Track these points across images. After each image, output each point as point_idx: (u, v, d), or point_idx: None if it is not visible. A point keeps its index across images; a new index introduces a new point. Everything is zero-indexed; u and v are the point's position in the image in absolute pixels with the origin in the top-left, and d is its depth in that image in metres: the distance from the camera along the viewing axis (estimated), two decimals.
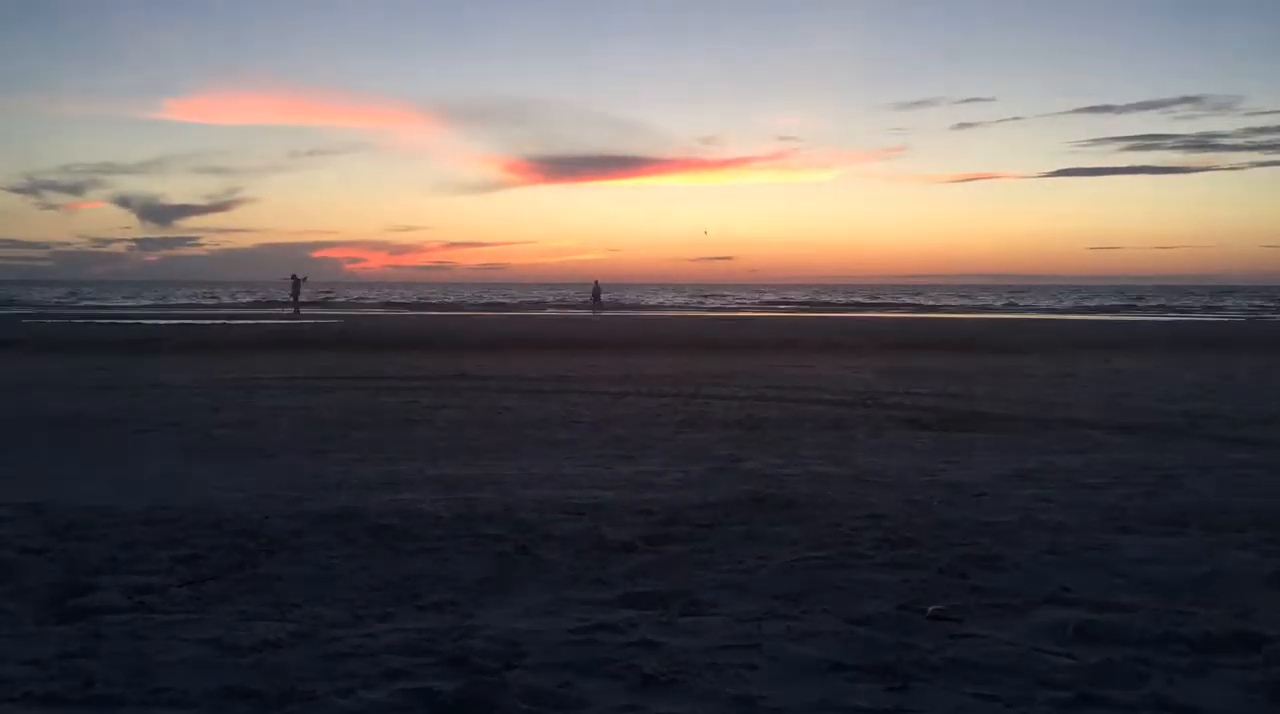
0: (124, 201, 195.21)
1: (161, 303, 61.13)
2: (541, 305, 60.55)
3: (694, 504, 6.20)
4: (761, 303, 67.08)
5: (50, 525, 5.57)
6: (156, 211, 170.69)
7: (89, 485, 6.87)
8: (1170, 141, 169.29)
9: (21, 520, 5.70)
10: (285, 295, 48.65)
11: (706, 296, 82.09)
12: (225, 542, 5.23)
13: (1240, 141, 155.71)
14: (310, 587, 4.48)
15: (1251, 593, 4.40)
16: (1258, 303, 69.56)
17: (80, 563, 4.84)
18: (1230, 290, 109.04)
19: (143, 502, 6.20)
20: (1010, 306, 63.57)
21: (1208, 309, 60.19)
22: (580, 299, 62.21)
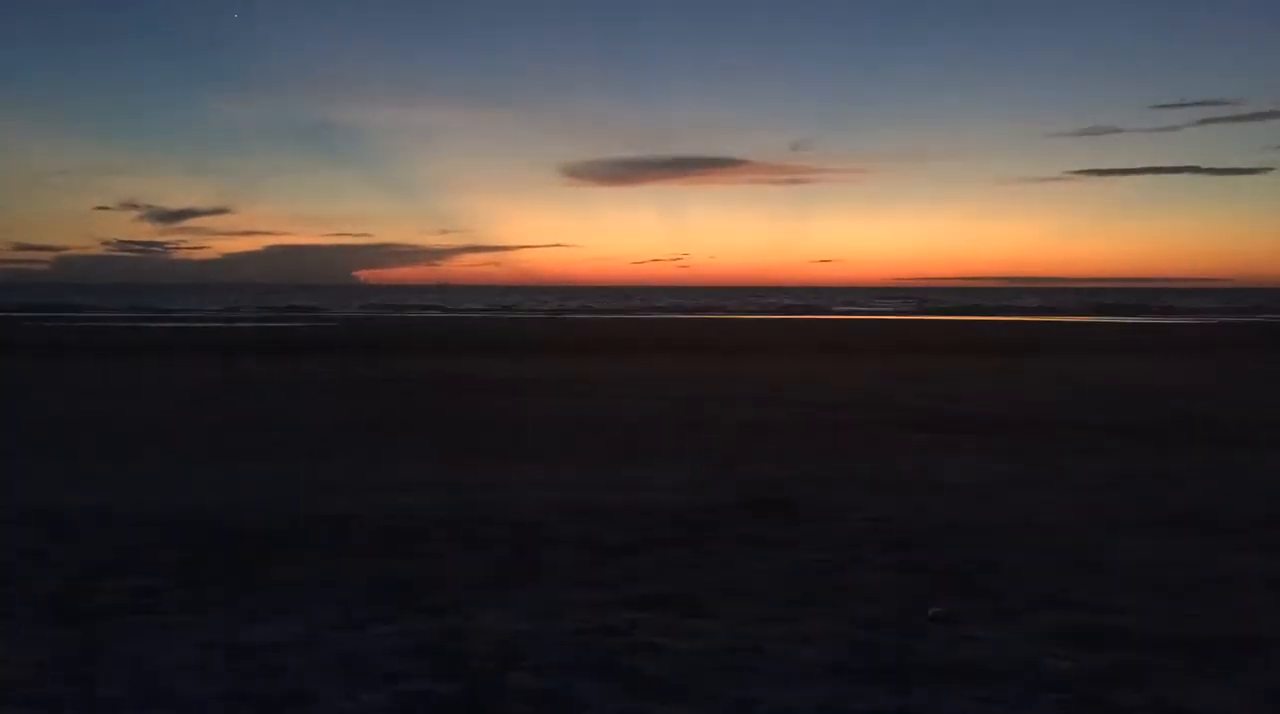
0: (131, 204, 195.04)
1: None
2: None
3: (696, 506, 6.20)
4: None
5: (52, 528, 5.57)
6: (165, 213, 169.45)
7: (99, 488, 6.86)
8: None
9: (24, 523, 5.70)
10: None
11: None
12: (226, 544, 5.24)
13: None
14: (311, 589, 4.48)
15: (1251, 595, 4.40)
16: None
17: (82, 565, 4.84)
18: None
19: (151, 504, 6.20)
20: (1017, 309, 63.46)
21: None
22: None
